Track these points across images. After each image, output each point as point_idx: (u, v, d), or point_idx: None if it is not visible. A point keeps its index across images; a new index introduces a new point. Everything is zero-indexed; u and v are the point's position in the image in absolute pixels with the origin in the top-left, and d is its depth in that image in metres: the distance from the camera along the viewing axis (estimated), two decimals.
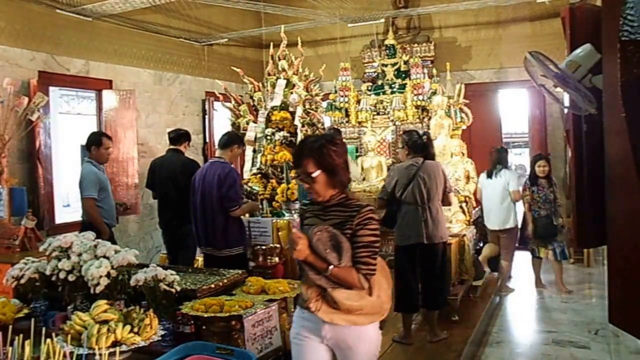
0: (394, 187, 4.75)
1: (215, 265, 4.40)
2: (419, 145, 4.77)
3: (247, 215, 5.60)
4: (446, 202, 4.89)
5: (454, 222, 6.05)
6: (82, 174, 5.37)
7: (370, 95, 8.24)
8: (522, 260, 8.23)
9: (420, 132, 5.04)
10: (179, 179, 5.55)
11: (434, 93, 7.65)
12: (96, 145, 5.39)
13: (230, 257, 4.68)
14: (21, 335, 2.01)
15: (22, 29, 5.99)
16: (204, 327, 2.67)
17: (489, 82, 8.95)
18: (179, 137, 5.92)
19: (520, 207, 6.94)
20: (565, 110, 2.53)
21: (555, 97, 2.48)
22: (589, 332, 5.32)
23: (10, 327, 2.15)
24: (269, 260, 5.24)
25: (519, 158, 13.32)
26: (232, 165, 4.89)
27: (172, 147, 5.91)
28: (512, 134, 12.56)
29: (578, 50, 2.22)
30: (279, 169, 5.96)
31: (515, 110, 10.79)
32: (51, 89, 6.45)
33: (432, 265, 4.73)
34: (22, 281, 2.94)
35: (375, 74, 8.51)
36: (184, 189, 5.14)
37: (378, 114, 8.16)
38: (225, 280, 3.16)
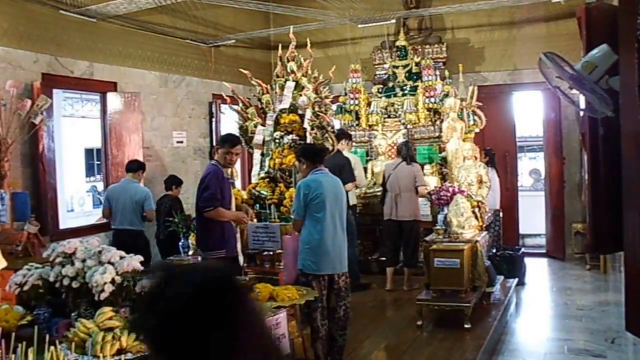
0: (384, 178, 6.80)
1: None
2: (398, 151, 6.89)
3: (254, 220, 5.53)
4: (417, 193, 6.65)
5: (466, 228, 5.92)
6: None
7: (381, 97, 8.26)
8: (538, 266, 8.19)
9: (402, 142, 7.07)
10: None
11: (446, 95, 7.63)
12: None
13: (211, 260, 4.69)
14: (24, 343, 2.07)
15: (25, 30, 5.94)
16: None
17: (503, 84, 8.86)
18: (337, 136, 6.62)
19: None
20: (581, 113, 2.56)
21: (571, 99, 2.49)
22: (606, 341, 5.20)
23: (13, 334, 2.22)
24: (276, 266, 5.25)
25: (534, 162, 13.21)
26: (221, 166, 4.75)
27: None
28: (526, 137, 12.48)
29: (594, 51, 2.20)
30: (287, 173, 5.93)
31: (529, 113, 10.73)
32: (55, 91, 6.44)
33: (405, 236, 6.64)
34: (25, 288, 2.95)
35: (386, 75, 8.49)
36: None
37: (389, 116, 8.18)
38: None
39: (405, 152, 6.69)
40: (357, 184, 6.82)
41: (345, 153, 7.00)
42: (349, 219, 6.50)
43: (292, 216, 4.54)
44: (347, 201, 6.58)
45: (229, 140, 4.83)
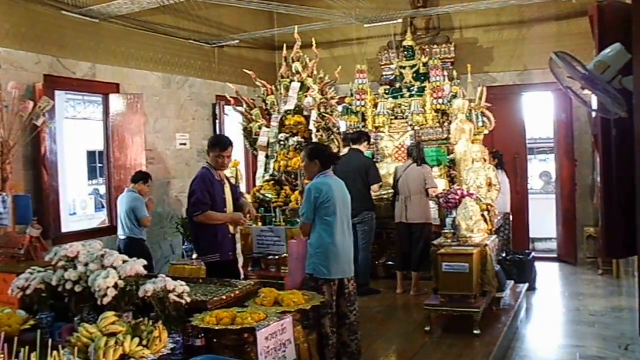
0: (395, 180, 6.70)
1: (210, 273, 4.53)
2: (408, 153, 6.81)
3: (259, 223, 5.48)
4: (428, 196, 6.54)
5: (475, 232, 5.85)
6: None
7: (387, 98, 8.20)
8: (549, 271, 8.18)
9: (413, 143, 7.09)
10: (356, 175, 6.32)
11: (455, 96, 7.56)
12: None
13: (206, 264, 4.62)
14: (27, 348, 2.06)
15: (27, 31, 5.93)
16: (215, 340, 2.68)
17: (513, 84, 8.78)
18: (360, 137, 6.77)
19: None
20: (594, 114, 2.51)
21: (583, 100, 2.46)
22: (619, 347, 5.11)
23: (16, 339, 2.26)
24: (282, 271, 5.25)
25: (544, 165, 13.14)
26: (213, 169, 4.65)
27: (353, 147, 6.66)
28: (536, 139, 12.45)
29: (607, 51, 2.18)
30: (292, 176, 5.92)
31: (540, 115, 10.69)
32: (57, 93, 6.42)
33: (415, 239, 6.50)
34: (28, 292, 2.97)
35: (393, 76, 8.43)
36: (362, 183, 6.41)
37: (396, 118, 8.11)
38: (237, 292, 3.13)
39: (416, 154, 6.63)
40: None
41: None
42: (369, 223, 6.46)
43: (298, 219, 4.41)
44: (372, 203, 6.69)
45: (221, 144, 4.69)
